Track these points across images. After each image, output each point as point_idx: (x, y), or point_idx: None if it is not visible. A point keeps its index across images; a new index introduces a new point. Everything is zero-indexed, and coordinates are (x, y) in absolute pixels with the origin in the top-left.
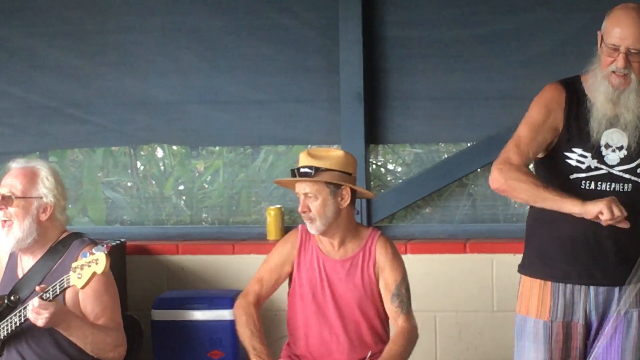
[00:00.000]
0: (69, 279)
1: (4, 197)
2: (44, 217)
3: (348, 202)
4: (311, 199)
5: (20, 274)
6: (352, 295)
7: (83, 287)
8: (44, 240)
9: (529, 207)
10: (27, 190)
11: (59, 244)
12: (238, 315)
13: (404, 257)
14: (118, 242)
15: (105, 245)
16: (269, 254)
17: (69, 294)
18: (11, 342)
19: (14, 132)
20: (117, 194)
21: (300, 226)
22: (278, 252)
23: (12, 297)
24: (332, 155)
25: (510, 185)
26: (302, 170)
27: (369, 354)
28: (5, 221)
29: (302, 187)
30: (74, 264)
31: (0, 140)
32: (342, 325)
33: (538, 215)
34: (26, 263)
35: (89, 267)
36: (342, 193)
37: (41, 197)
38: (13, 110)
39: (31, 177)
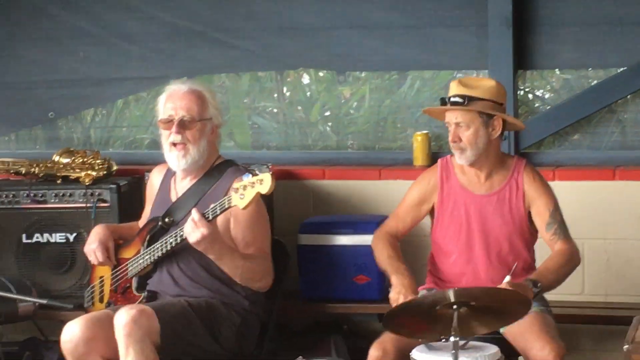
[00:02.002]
0: (230, 200)
1: (182, 121)
2: (212, 138)
3: (499, 132)
4: (462, 128)
5: (174, 197)
6: (501, 230)
7: (245, 208)
8: (205, 163)
9: None
10: (202, 113)
11: (214, 170)
12: (374, 244)
13: (552, 184)
14: (265, 166)
15: (269, 166)
16: (408, 190)
17: (220, 220)
18: (163, 262)
19: (162, 57)
20: (263, 119)
21: (438, 162)
22: (415, 190)
23: (166, 219)
24: (484, 84)
25: None
26: (453, 99)
27: (514, 266)
28: (179, 144)
29: (454, 116)
30: (235, 185)
31: (148, 65)
32: (490, 260)
33: None
34: (180, 186)
35: (252, 187)
36: (494, 123)
37: (211, 119)
38: (161, 35)
39: (202, 100)
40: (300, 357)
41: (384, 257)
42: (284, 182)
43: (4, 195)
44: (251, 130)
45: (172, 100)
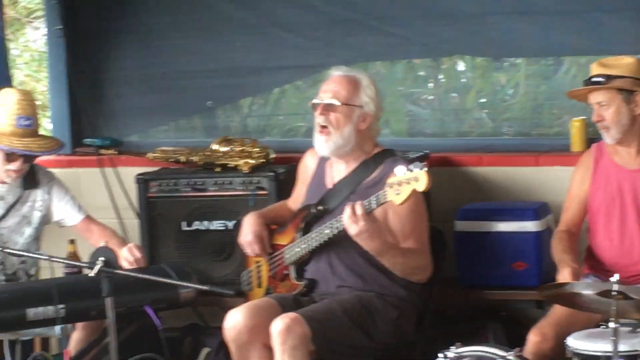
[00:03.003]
0: (385, 195)
1: (328, 104)
2: (362, 127)
3: None
4: (604, 107)
5: (329, 184)
6: None
7: (401, 204)
8: (359, 152)
9: None
10: (350, 98)
11: (371, 160)
12: (552, 242)
13: None
14: (421, 153)
15: (424, 163)
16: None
17: (378, 211)
18: (321, 250)
19: (320, 45)
20: (419, 107)
21: (593, 145)
22: (574, 177)
23: (319, 207)
24: (623, 62)
25: None
26: (593, 79)
27: None
28: (324, 127)
29: (595, 97)
30: (390, 180)
31: (305, 54)
32: None
33: None
34: (337, 173)
35: (408, 184)
36: (636, 99)
37: (362, 106)
38: (318, 24)
39: (354, 85)
40: (459, 343)
41: (554, 252)
42: (441, 168)
43: (164, 184)
44: (407, 117)
45: (326, 84)
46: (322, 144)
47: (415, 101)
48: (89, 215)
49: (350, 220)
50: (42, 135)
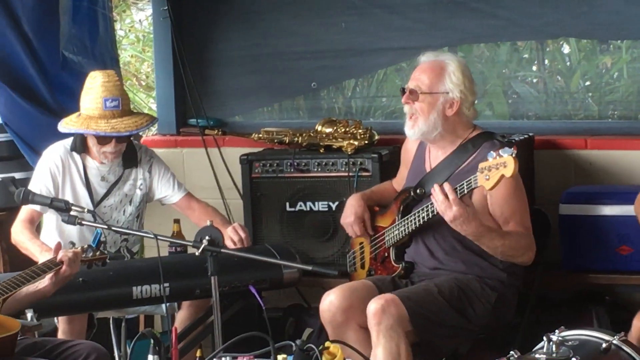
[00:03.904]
0: (476, 180)
1: (411, 91)
2: (450, 113)
3: None
4: None
5: (427, 168)
6: None
7: (491, 189)
8: (453, 136)
9: None
10: (433, 86)
11: (469, 143)
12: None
13: None
14: (526, 136)
15: (513, 147)
16: None
17: (476, 196)
18: (419, 234)
19: (424, 27)
20: (523, 89)
21: None
22: None
23: (417, 191)
24: None
25: None
26: None
27: None
28: (412, 115)
29: None
30: (481, 165)
31: (410, 35)
32: None
33: None
34: (434, 157)
35: (497, 169)
36: None
37: (447, 93)
38: (423, 6)
39: (438, 72)
40: (563, 327)
41: None
42: (545, 151)
43: (269, 165)
44: (510, 99)
45: (414, 71)
46: (409, 130)
47: (520, 83)
48: (189, 192)
49: (444, 206)
50: (132, 114)
